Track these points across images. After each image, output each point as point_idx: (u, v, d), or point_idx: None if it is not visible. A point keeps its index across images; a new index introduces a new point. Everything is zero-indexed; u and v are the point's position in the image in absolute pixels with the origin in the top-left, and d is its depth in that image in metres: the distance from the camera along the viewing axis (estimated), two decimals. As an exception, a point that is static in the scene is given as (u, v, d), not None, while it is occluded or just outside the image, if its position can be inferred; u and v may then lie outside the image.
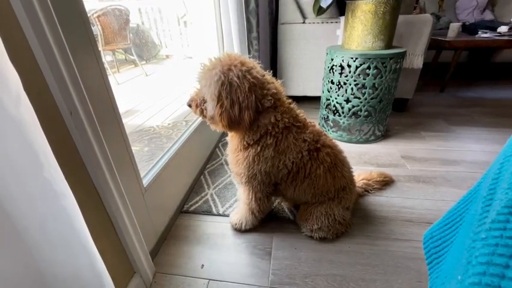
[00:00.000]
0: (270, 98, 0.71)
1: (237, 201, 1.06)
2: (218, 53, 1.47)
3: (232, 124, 0.70)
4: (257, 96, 0.69)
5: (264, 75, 0.73)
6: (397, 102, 1.88)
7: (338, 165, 0.83)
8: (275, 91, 0.73)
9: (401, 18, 1.51)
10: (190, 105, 0.78)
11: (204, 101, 0.74)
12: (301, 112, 0.81)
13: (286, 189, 0.85)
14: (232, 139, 0.81)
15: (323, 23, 1.76)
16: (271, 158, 0.76)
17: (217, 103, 0.68)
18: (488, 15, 2.86)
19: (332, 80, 1.47)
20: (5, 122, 0.31)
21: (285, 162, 0.77)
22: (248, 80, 0.66)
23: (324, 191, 0.83)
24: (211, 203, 1.07)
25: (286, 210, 1.02)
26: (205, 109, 0.74)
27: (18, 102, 0.32)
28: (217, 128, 0.76)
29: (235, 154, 0.80)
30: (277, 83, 0.75)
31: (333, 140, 0.86)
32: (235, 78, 0.66)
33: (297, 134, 0.76)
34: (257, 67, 0.72)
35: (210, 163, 1.34)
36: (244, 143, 0.76)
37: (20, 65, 0.37)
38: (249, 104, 0.67)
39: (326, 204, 0.86)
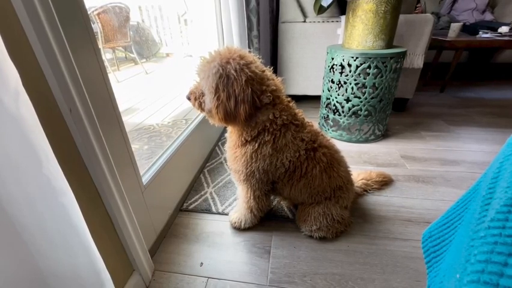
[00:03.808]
0: (269, 94, 0.71)
1: (236, 199, 1.06)
2: (218, 51, 1.46)
3: (228, 117, 0.70)
4: (254, 91, 0.68)
5: (264, 71, 0.72)
6: (397, 102, 1.88)
7: (334, 165, 0.83)
8: (274, 88, 0.72)
9: (402, 17, 1.51)
10: (189, 98, 0.78)
11: (203, 94, 0.74)
12: (300, 111, 0.80)
13: (283, 188, 0.85)
14: (231, 135, 0.81)
15: (323, 22, 1.76)
16: (269, 156, 0.75)
17: (214, 95, 0.68)
18: (488, 16, 2.86)
19: (332, 79, 1.47)
20: (3, 118, 0.30)
21: (282, 160, 0.77)
22: (246, 74, 0.66)
23: (320, 190, 0.83)
24: (211, 201, 1.07)
25: (286, 209, 1.02)
26: (204, 102, 0.74)
27: (17, 98, 0.32)
28: (215, 122, 0.76)
29: (233, 150, 0.80)
30: (277, 80, 0.75)
31: (330, 140, 0.86)
32: (233, 71, 0.65)
33: (295, 132, 0.76)
34: (257, 62, 0.72)
35: (210, 161, 1.34)
36: (242, 139, 0.76)
37: (20, 61, 0.37)
38: (245, 97, 0.67)
39: (323, 204, 0.86)
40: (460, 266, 0.27)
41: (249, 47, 1.40)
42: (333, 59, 1.42)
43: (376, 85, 1.36)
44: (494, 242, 0.24)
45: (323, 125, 1.68)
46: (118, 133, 0.65)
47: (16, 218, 0.34)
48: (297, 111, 0.79)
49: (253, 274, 0.78)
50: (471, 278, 0.24)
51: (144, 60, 3.62)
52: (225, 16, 1.29)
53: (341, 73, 1.41)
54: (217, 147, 1.48)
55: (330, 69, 1.47)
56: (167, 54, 4.19)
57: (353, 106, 1.43)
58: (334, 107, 1.52)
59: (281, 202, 1.05)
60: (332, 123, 1.58)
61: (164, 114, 2.01)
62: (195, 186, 1.17)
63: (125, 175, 0.68)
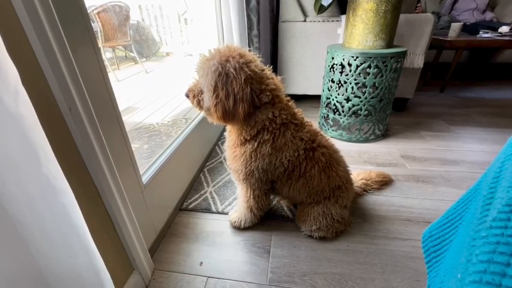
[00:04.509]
0: (268, 93, 0.71)
1: (236, 199, 1.06)
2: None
3: (227, 116, 0.70)
4: (253, 90, 0.68)
5: (263, 70, 0.72)
6: (397, 101, 1.88)
7: (333, 164, 0.83)
8: (274, 87, 0.72)
9: (402, 17, 1.51)
10: (188, 96, 0.78)
11: (201, 92, 0.73)
12: (299, 111, 0.80)
13: (282, 187, 0.85)
14: (230, 134, 0.81)
15: (323, 21, 1.76)
16: (268, 155, 0.75)
17: (213, 94, 0.68)
18: (488, 16, 2.86)
19: (332, 79, 1.47)
20: (3, 117, 0.30)
21: (281, 159, 0.77)
22: (245, 72, 0.66)
23: (319, 190, 0.83)
24: (211, 200, 1.07)
25: (286, 209, 1.02)
26: (202, 100, 0.74)
27: (17, 97, 0.32)
28: (213, 120, 0.76)
29: (232, 149, 0.80)
30: (276, 79, 0.75)
31: (329, 140, 0.86)
32: (232, 70, 0.65)
33: (294, 131, 0.76)
34: (257, 61, 0.71)
35: (210, 161, 1.34)
36: (241, 138, 0.76)
37: (19, 60, 0.37)
38: (244, 96, 0.66)
39: (322, 204, 0.86)
40: (461, 266, 0.27)
41: (249, 46, 1.40)
42: (333, 58, 1.42)
43: (376, 85, 1.35)
44: (496, 242, 0.24)
45: (323, 124, 1.68)
46: (118, 132, 0.65)
47: (16, 218, 0.34)
48: (296, 110, 0.79)
49: (253, 273, 0.78)
50: (473, 278, 0.24)
51: (144, 59, 3.62)
52: (225, 15, 1.29)
53: (341, 72, 1.41)
54: (217, 147, 1.48)
55: (330, 69, 1.47)
56: (167, 54, 4.18)
57: (353, 106, 1.43)
58: (334, 107, 1.52)
59: (281, 201, 1.05)
60: (331, 123, 1.58)
61: (164, 113, 2.01)
62: (194, 185, 1.17)
63: (125, 174, 0.68)
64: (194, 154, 1.21)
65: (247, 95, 0.67)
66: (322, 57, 1.79)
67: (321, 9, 1.53)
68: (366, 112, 1.43)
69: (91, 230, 0.45)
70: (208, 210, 1.02)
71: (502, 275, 0.22)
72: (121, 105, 0.64)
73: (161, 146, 1.41)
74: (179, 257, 0.84)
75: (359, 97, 1.40)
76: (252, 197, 0.86)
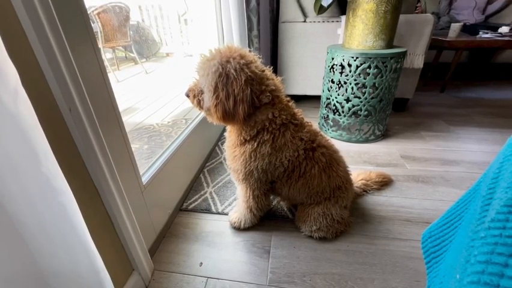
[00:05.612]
0: (268, 94, 0.71)
1: (236, 199, 1.06)
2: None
3: (227, 116, 0.70)
4: (254, 91, 0.68)
5: (263, 71, 0.72)
6: (397, 102, 1.88)
7: (333, 165, 0.83)
8: (274, 88, 0.72)
9: (402, 17, 1.51)
10: (188, 96, 0.78)
11: (202, 92, 0.74)
12: (299, 111, 0.80)
13: (282, 187, 0.85)
14: (230, 134, 0.81)
15: (323, 21, 1.76)
16: (268, 155, 0.75)
17: (213, 94, 0.68)
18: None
19: (332, 79, 1.47)
20: (3, 117, 0.30)
21: (281, 159, 0.77)
22: (245, 73, 0.66)
23: (319, 190, 0.83)
24: (210, 201, 1.07)
25: (286, 209, 1.02)
26: (202, 100, 0.74)
27: (16, 97, 0.32)
28: (213, 120, 0.76)
29: (232, 149, 0.80)
30: (276, 80, 0.75)
31: (329, 140, 0.86)
32: (232, 70, 0.65)
33: (294, 131, 0.76)
34: (257, 61, 0.72)
35: (210, 161, 1.34)
36: (241, 138, 0.76)
37: (19, 60, 0.37)
38: (244, 97, 0.67)
39: (322, 204, 0.86)
40: (460, 267, 0.27)
41: (249, 47, 1.40)
42: (333, 59, 1.42)
43: (376, 85, 1.36)
44: (494, 242, 0.24)
45: (322, 125, 1.68)
46: (118, 133, 0.65)
47: (16, 218, 0.34)
48: (296, 110, 0.79)
49: (252, 274, 0.78)
50: (471, 278, 0.24)
51: (144, 59, 3.62)
52: (225, 16, 1.29)
53: (341, 73, 1.41)
54: (217, 147, 1.48)
55: (330, 69, 1.47)
56: (167, 54, 4.18)
57: (353, 106, 1.43)
58: (334, 107, 1.52)
59: (281, 202, 1.05)
60: (331, 123, 1.58)
61: (164, 113, 2.01)
62: (194, 186, 1.17)
63: (125, 175, 0.68)
64: (194, 154, 1.21)
65: (247, 96, 0.67)
66: (322, 57, 1.79)
67: (321, 9, 1.53)
68: (366, 112, 1.43)
69: (90, 230, 0.45)
70: (208, 210, 1.02)
71: (500, 276, 0.22)
72: (121, 105, 0.64)
73: (161, 147, 1.41)
74: (179, 258, 0.84)
75: (359, 97, 1.40)
76: (251, 197, 0.86)
